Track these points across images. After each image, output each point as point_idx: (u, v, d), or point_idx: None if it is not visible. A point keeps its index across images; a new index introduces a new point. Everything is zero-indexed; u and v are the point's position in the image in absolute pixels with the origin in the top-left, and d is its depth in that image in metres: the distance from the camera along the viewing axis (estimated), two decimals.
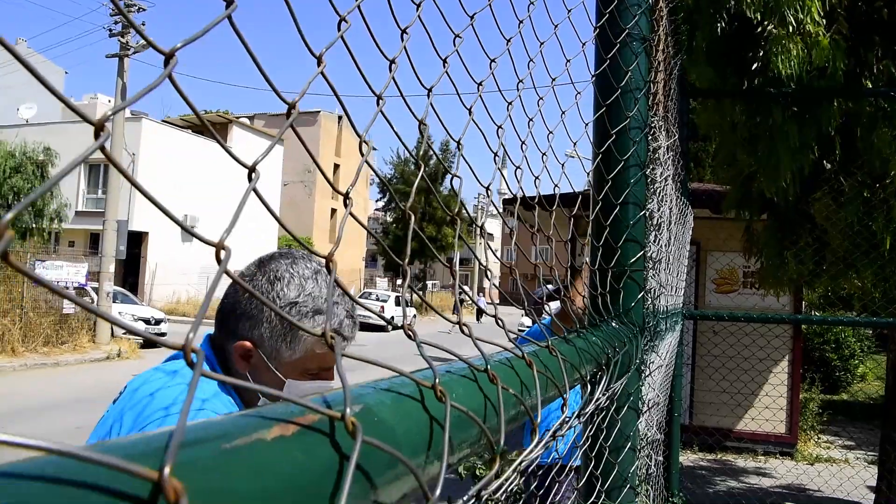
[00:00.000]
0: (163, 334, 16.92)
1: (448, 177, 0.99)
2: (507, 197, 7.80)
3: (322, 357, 1.36)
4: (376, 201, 48.35)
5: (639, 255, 1.71)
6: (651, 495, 2.18)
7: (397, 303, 28.61)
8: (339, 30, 0.60)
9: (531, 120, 1.14)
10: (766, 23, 3.93)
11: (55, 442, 0.24)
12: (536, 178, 1.19)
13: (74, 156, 0.33)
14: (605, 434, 1.49)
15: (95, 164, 28.23)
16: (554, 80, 1.27)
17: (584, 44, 1.48)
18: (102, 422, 1.28)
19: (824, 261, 5.06)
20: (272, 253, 1.44)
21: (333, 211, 43.17)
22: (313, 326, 1.33)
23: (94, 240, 24.98)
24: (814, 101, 4.22)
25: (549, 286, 2.92)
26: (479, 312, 28.84)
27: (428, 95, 0.80)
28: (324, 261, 0.51)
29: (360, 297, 27.49)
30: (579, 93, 1.42)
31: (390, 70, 0.69)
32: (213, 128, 0.49)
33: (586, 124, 1.46)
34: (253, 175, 0.45)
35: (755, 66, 4.09)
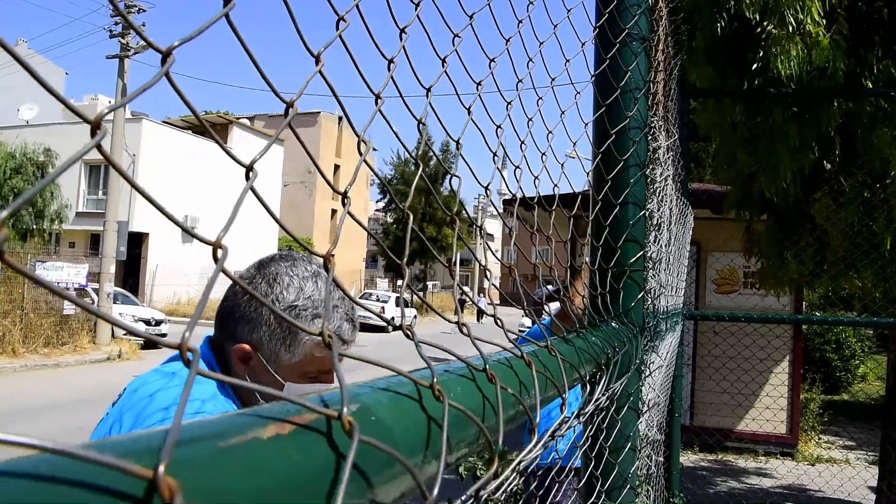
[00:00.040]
0: (163, 335, 16.93)
1: (448, 177, 0.98)
2: (507, 197, 7.81)
3: (321, 360, 1.35)
4: (377, 202, 48.37)
5: (638, 255, 1.71)
6: (652, 496, 2.18)
7: (398, 304, 28.61)
8: (337, 29, 0.60)
9: (531, 120, 1.14)
10: (765, 23, 3.93)
11: (50, 440, 0.24)
12: (536, 178, 1.19)
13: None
14: (605, 434, 1.49)
15: (96, 165, 28.25)
16: (553, 79, 1.27)
17: (583, 44, 1.48)
18: (102, 423, 1.28)
19: (825, 261, 5.06)
20: (272, 255, 1.43)
21: (334, 212, 43.19)
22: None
23: (95, 241, 24.99)
24: (814, 102, 4.22)
25: (549, 287, 2.92)
26: (480, 313, 28.86)
27: (427, 95, 0.79)
28: (324, 262, 0.51)
29: (360, 297, 27.48)
30: (579, 93, 1.42)
31: (389, 69, 0.69)
32: (211, 127, 0.49)
33: (586, 124, 1.46)
34: (251, 174, 0.45)
35: (755, 66, 4.09)
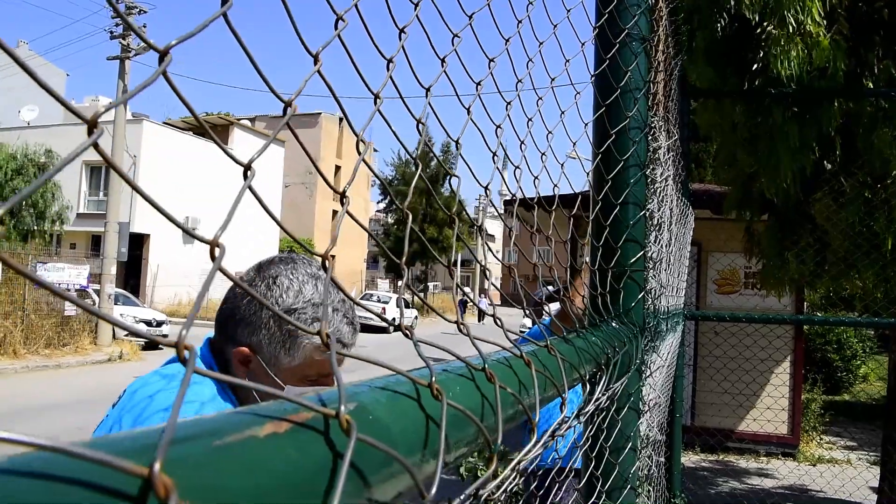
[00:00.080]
0: (164, 336, 16.94)
1: (448, 178, 0.98)
2: (507, 198, 7.81)
3: (321, 364, 1.34)
4: (377, 203, 48.38)
5: (639, 255, 1.71)
6: (653, 496, 2.17)
7: (398, 304, 28.55)
8: (336, 28, 0.60)
9: (530, 120, 1.14)
10: (765, 23, 3.93)
11: (45, 437, 0.24)
12: (536, 178, 1.19)
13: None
14: (605, 434, 1.49)
15: (97, 167, 28.26)
16: (553, 80, 1.27)
17: (583, 44, 1.48)
18: (102, 424, 1.28)
19: (825, 261, 5.06)
20: (272, 257, 1.42)
21: (335, 213, 43.17)
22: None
23: (96, 242, 25.01)
24: (814, 102, 4.22)
25: (550, 287, 2.92)
26: (481, 314, 28.86)
27: (426, 95, 0.79)
28: (322, 262, 0.51)
29: (361, 298, 27.50)
30: (579, 93, 1.42)
31: (388, 69, 0.69)
32: (212, 128, 0.49)
33: (586, 124, 1.45)
34: (248, 173, 0.45)
35: (755, 66, 4.09)
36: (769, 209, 5.24)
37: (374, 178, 41.16)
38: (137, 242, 26.21)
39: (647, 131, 1.80)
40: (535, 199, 1.18)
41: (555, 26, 1.29)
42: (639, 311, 1.72)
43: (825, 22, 3.94)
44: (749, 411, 8.94)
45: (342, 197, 0.56)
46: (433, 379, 0.52)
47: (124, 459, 0.26)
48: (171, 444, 0.28)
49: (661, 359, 2.20)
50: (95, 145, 0.35)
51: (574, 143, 1.39)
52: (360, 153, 0.63)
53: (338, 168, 41.56)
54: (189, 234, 0.41)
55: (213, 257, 0.38)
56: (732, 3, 4.05)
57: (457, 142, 0.87)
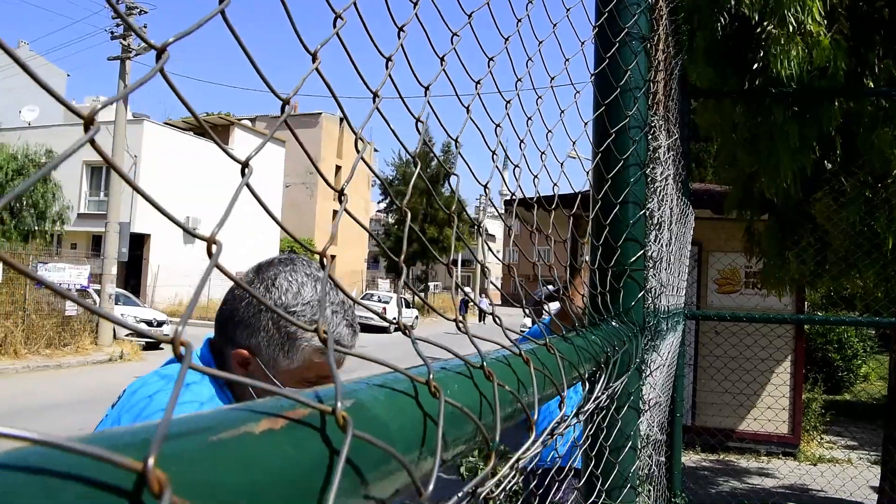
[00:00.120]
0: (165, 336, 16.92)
1: (449, 177, 0.99)
2: (507, 198, 7.80)
3: (321, 366, 1.33)
4: (378, 203, 48.38)
5: (639, 254, 1.71)
6: (653, 495, 2.17)
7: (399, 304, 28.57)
8: (334, 27, 0.60)
9: (530, 119, 1.14)
10: (765, 23, 3.93)
11: (39, 432, 0.24)
12: (535, 177, 1.19)
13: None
14: (605, 433, 1.49)
15: (97, 167, 28.26)
16: (553, 79, 1.27)
17: (583, 43, 1.48)
18: (101, 424, 1.28)
19: (826, 261, 5.06)
20: (272, 258, 1.41)
21: (335, 213, 42.99)
22: (310, 336, 1.31)
23: (97, 242, 25.02)
24: (814, 102, 4.21)
25: (550, 286, 2.92)
26: (482, 314, 28.84)
27: (425, 94, 0.79)
28: (320, 259, 0.51)
29: (362, 298, 27.49)
30: (578, 92, 1.42)
31: (387, 68, 0.69)
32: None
33: (585, 124, 1.45)
34: (246, 170, 0.45)
35: (756, 66, 4.09)
36: (770, 209, 5.24)
37: (374, 179, 41.14)
38: (138, 242, 26.22)
39: (647, 130, 1.80)
40: (535, 199, 1.18)
41: (554, 25, 1.28)
42: (639, 311, 1.72)
43: (825, 21, 3.94)
44: (750, 411, 8.94)
45: (340, 195, 0.56)
46: (431, 376, 0.52)
47: (119, 454, 0.26)
48: (166, 439, 0.28)
49: (661, 358, 2.20)
50: (92, 142, 0.35)
51: (574, 143, 1.38)
52: (358, 151, 0.63)
53: (338, 168, 41.54)
54: (187, 231, 0.41)
55: (209, 254, 0.38)
56: (732, 2, 4.04)
57: (456, 141, 0.87)
